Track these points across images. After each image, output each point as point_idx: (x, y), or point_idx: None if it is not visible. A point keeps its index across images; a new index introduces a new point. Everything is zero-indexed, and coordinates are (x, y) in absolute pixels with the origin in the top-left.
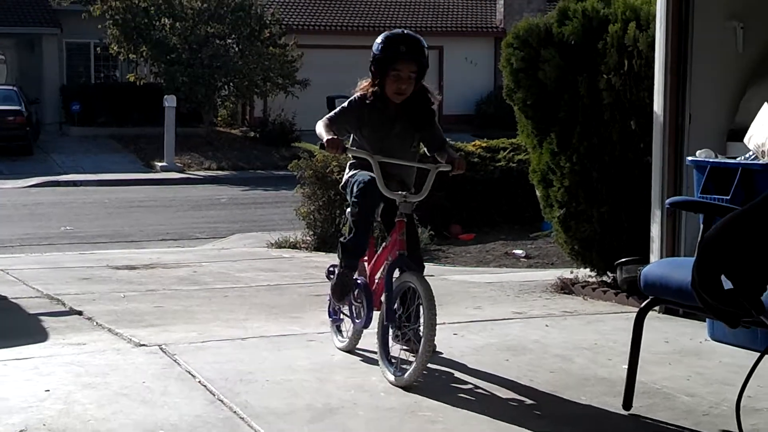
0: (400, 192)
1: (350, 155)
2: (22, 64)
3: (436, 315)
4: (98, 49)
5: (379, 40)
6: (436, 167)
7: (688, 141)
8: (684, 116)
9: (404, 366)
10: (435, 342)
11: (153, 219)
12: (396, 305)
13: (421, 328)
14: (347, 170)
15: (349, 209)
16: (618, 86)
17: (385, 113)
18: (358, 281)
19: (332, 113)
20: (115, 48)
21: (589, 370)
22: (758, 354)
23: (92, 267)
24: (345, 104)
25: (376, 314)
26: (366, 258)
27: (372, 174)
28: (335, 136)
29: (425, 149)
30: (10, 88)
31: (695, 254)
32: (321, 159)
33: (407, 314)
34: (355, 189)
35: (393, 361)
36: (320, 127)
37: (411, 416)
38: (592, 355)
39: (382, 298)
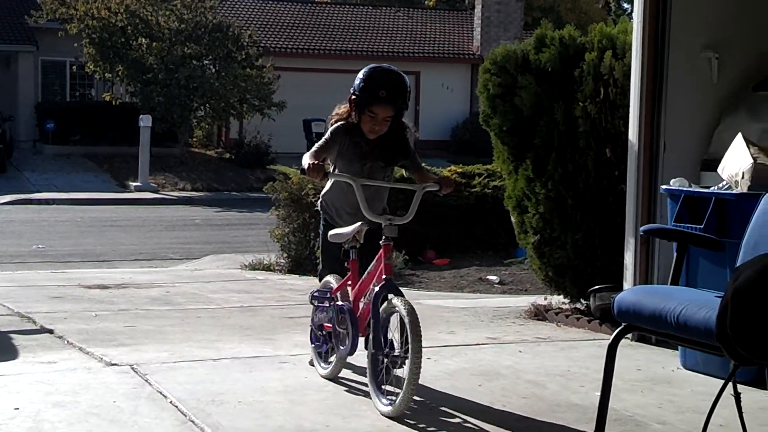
0: (386, 215)
1: (331, 180)
2: None
3: (421, 341)
4: (74, 67)
5: (361, 74)
6: (422, 187)
7: (663, 169)
8: (659, 145)
9: (390, 396)
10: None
11: (126, 239)
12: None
13: (409, 355)
14: (325, 190)
15: (319, 252)
16: (594, 114)
17: (358, 146)
18: (343, 307)
19: (319, 144)
20: (91, 67)
21: (562, 397)
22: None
23: (64, 286)
24: (328, 135)
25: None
26: (350, 282)
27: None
28: (316, 161)
29: (404, 173)
30: None
31: (723, 305)
32: (296, 181)
33: (392, 342)
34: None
35: (384, 390)
36: (306, 158)
37: None
38: (565, 381)
39: (370, 325)
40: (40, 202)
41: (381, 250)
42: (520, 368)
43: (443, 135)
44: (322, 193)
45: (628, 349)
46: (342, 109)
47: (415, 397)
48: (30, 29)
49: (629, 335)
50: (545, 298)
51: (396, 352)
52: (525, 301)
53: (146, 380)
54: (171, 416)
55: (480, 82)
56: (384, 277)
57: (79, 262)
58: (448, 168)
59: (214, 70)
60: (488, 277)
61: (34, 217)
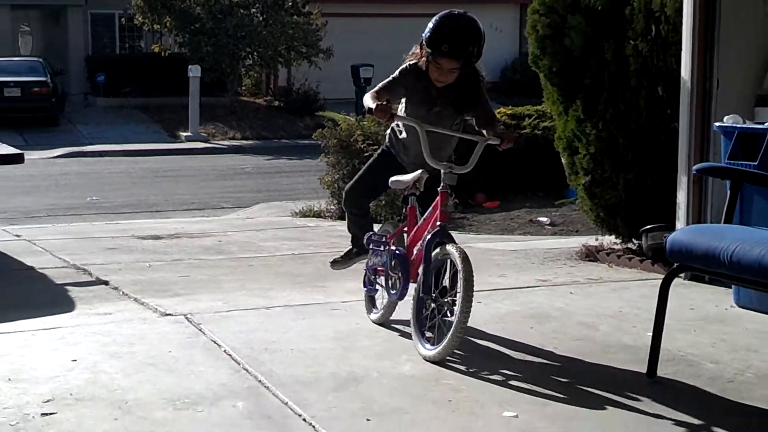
0: (445, 163)
1: (397, 122)
2: (47, 35)
3: (472, 291)
4: (123, 19)
5: (431, 23)
6: (485, 139)
7: (716, 107)
8: (711, 82)
9: (433, 341)
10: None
11: (178, 189)
12: (440, 278)
13: (458, 301)
14: (387, 137)
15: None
16: (645, 52)
17: (427, 91)
18: (397, 252)
19: (383, 83)
20: (139, 19)
21: (614, 338)
22: None
23: (118, 237)
24: (396, 73)
25: (411, 286)
26: (406, 228)
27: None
28: (383, 103)
29: (474, 124)
30: (36, 59)
31: None
32: (345, 128)
33: (442, 287)
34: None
35: (427, 335)
36: (368, 98)
37: (435, 385)
38: (617, 322)
39: (420, 270)
40: (92, 154)
41: (438, 197)
42: (572, 310)
43: (493, 76)
44: (389, 133)
45: (680, 288)
46: (417, 49)
47: (468, 342)
48: None
49: (682, 275)
50: (596, 239)
51: (445, 299)
52: (576, 242)
53: (200, 330)
54: (225, 365)
55: (529, 23)
56: (438, 223)
57: (132, 213)
58: (498, 109)
59: (261, 19)
60: (539, 218)
61: (87, 169)
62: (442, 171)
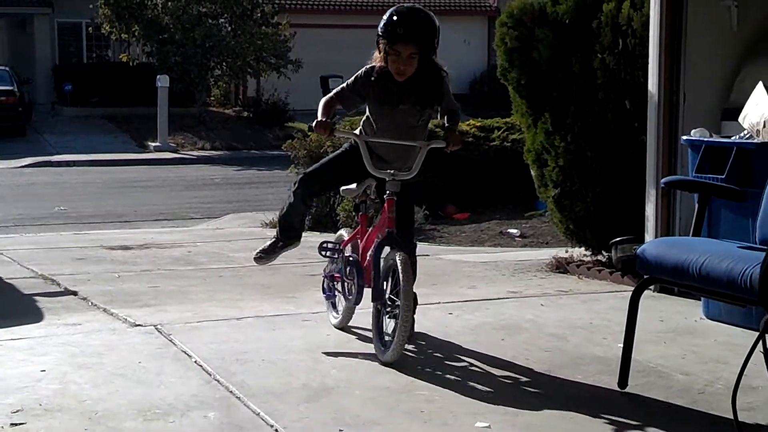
0: (388, 171)
1: (337, 136)
2: (13, 44)
3: (411, 292)
4: (90, 28)
5: (385, 16)
6: (427, 144)
7: (683, 120)
8: (678, 95)
9: (389, 344)
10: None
11: (147, 199)
12: (386, 283)
13: (399, 305)
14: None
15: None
16: (612, 65)
17: (389, 89)
18: (350, 258)
19: (338, 88)
20: (107, 28)
21: (585, 349)
22: (754, 332)
23: (86, 247)
24: (351, 79)
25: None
26: (359, 235)
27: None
28: (325, 119)
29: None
30: (2, 68)
31: (764, 266)
32: (315, 139)
33: (395, 292)
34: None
35: (385, 338)
36: (320, 106)
37: (407, 396)
38: (587, 334)
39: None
40: (60, 164)
41: (385, 204)
42: (542, 321)
43: (461, 88)
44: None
45: (650, 300)
46: (377, 54)
47: (439, 354)
48: None
49: (651, 286)
50: (566, 251)
51: (396, 303)
52: (546, 254)
53: (171, 340)
54: (196, 376)
55: (497, 36)
56: (386, 230)
57: (100, 223)
58: (467, 122)
59: (230, 29)
60: (509, 230)
61: (55, 179)
62: (386, 179)
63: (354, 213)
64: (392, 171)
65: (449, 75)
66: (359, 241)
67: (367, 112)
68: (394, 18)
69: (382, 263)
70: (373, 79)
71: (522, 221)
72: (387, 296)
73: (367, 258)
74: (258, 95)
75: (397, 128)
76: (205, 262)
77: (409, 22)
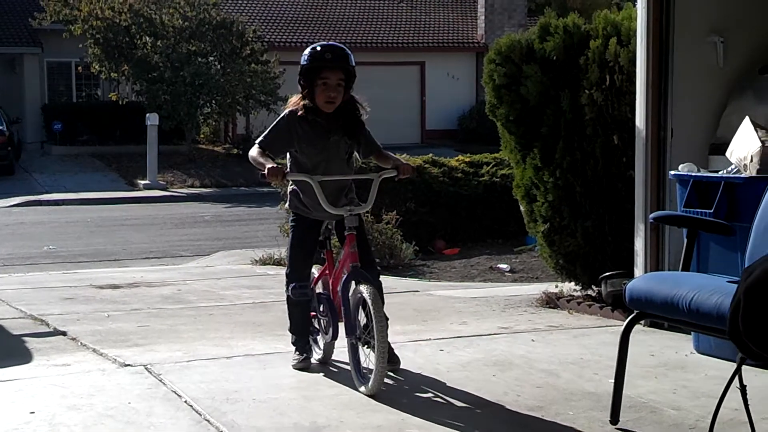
0: (345, 207)
1: (290, 179)
2: (2, 83)
3: (384, 322)
4: (79, 68)
5: (306, 52)
6: (379, 175)
7: (671, 155)
8: (666, 130)
9: (367, 376)
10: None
11: (136, 237)
12: (358, 316)
13: (374, 338)
14: (288, 194)
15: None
16: (600, 101)
17: (318, 125)
18: (322, 295)
19: (263, 137)
20: (96, 67)
21: (576, 385)
22: (744, 367)
23: (76, 287)
24: (274, 124)
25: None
26: (327, 272)
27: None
28: (274, 165)
29: (358, 155)
30: None
31: (735, 302)
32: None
33: (364, 324)
34: (290, 232)
35: (363, 371)
36: (256, 155)
37: None
38: (579, 369)
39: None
40: (49, 203)
41: (346, 239)
42: (533, 357)
43: (450, 124)
44: (289, 190)
45: (640, 334)
46: (295, 98)
47: (431, 391)
48: (34, 31)
49: (641, 321)
50: (556, 286)
51: (368, 336)
52: (536, 289)
53: (160, 380)
54: (186, 416)
55: (485, 73)
56: (350, 264)
57: (90, 262)
58: (456, 158)
59: (219, 67)
60: (499, 265)
61: (44, 218)
62: (344, 215)
63: (320, 250)
64: (348, 207)
65: (368, 109)
66: (329, 277)
67: (294, 155)
68: (318, 48)
69: (351, 298)
70: (299, 114)
71: (511, 256)
72: (360, 329)
73: (338, 293)
74: (247, 132)
75: (332, 161)
76: (194, 301)
77: (333, 49)
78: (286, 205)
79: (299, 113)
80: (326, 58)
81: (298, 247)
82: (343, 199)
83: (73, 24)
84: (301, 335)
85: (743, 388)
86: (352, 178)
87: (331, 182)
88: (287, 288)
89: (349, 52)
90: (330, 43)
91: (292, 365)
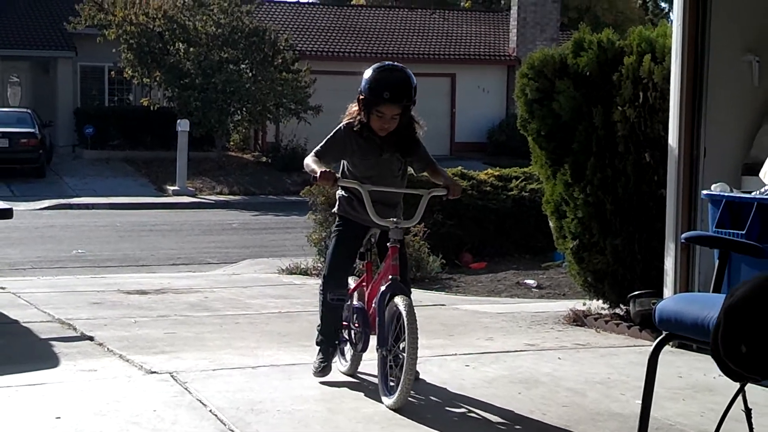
0: (391, 218)
1: (341, 185)
2: (36, 86)
3: (417, 340)
4: (112, 72)
5: (367, 75)
6: (429, 192)
7: (703, 174)
8: (699, 149)
9: (393, 390)
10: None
11: (164, 243)
12: (391, 330)
13: (404, 352)
14: (337, 201)
15: (329, 250)
16: (633, 118)
17: (371, 141)
18: (357, 306)
19: (320, 146)
20: (129, 72)
21: (602, 405)
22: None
23: (103, 291)
24: (331, 135)
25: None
26: (364, 283)
27: (344, 235)
28: (327, 169)
29: (413, 170)
30: (25, 110)
31: (717, 322)
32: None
33: (395, 337)
34: (333, 236)
35: (390, 384)
36: (310, 162)
37: None
38: (605, 389)
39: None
40: (79, 207)
41: (389, 251)
42: (560, 375)
43: (479, 137)
44: (338, 195)
45: (668, 355)
46: (353, 108)
47: (456, 406)
48: (69, 35)
49: (670, 342)
50: (584, 304)
51: (400, 349)
52: (563, 306)
53: (186, 388)
54: (210, 425)
55: (517, 87)
56: (390, 277)
57: (118, 266)
58: (485, 171)
59: (250, 75)
60: (526, 281)
61: (73, 222)
62: (389, 227)
63: (360, 261)
64: (395, 219)
65: (425, 127)
66: (365, 288)
67: (347, 167)
68: (379, 81)
69: (386, 310)
70: (355, 130)
71: (539, 272)
72: (391, 342)
73: (373, 305)
74: (277, 141)
75: (383, 177)
76: (221, 309)
77: (393, 86)
78: (335, 209)
79: (354, 128)
80: (384, 97)
81: (342, 248)
82: (391, 213)
83: (107, 29)
84: (330, 339)
85: (748, 412)
86: (401, 191)
87: (381, 197)
88: (323, 291)
89: (411, 82)
90: (392, 72)
91: (314, 367)
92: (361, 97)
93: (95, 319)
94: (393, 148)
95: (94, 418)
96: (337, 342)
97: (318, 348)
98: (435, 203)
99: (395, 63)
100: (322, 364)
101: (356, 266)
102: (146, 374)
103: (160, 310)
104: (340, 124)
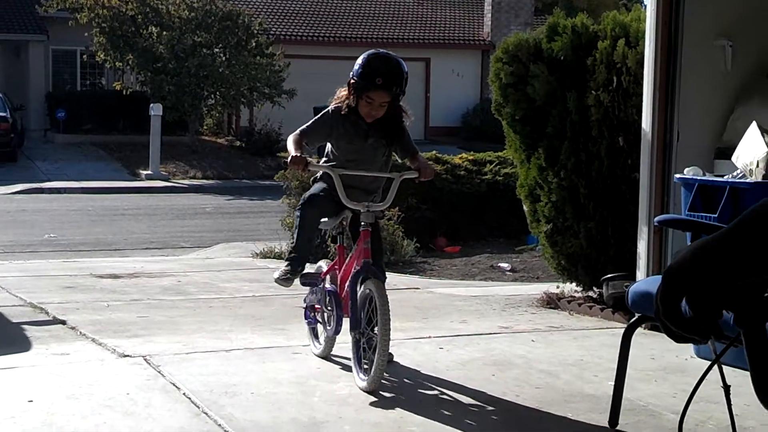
0: (362, 202)
1: (311, 170)
2: (7, 70)
3: (389, 322)
4: (84, 56)
5: (360, 60)
6: (400, 175)
7: (676, 158)
8: (672, 133)
9: (367, 372)
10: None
11: (137, 227)
12: (363, 313)
13: (377, 334)
14: (312, 184)
15: (297, 215)
16: (606, 103)
17: (358, 126)
18: (329, 289)
19: (306, 125)
20: (101, 56)
21: (575, 386)
22: (743, 371)
23: (76, 275)
24: (319, 116)
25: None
26: (336, 266)
27: (325, 186)
28: (299, 154)
29: (397, 157)
30: None
31: (661, 283)
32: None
33: (368, 320)
34: (304, 198)
35: (364, 366)
36: (291, 142)
37: (396, 431)
38: (578, 371)
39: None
40: (51, 191)
41: (360, 235)
42: (533, 357)
43: (454, 121)
44: (319, 175)
45: (641, 337)
46: (342, 92)
47: (430, 389)
48: (40, 18)
49: (642, 324)
50: (557, 287)
51: (373, 331)
52: (537, 289)
53: (159, 372)
54: (184, 408)
55: (492, 71)
56: (362, 260)
57: (90, 251)
58: (459, 155)
59: (224, 59)
60: (500, 264)
61: (45, 206)
62: (360, 210)
63: (332, 244)
64: (366, 203)
65: (412, 117)
66: (337, 271)
67: (332, 149)
68: (372, 67)
69: (359, 293)
70: (343, 113)
71: (512, 255)
72: (363, 325)
73: (345, 288)
74: (251, 125)
75: (366, 162)
76: (195, 292)
77: (387, 73)
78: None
79: (342, 112)
80: (376, 83)
81: (323, 186)
82: (368, 199)
83: (79, 12)
84: (303, 252)
85: (727, 388)
86: (372, 174)
87: (359, 182)
88: (301, 208)
89: (405, 70)
90: (384, 60)
91: (278, 274)
92: (352, 81)
93: (68, 303)
94: (379, 134)
95: (67, 401)
96: (309, 256)
97: (286, 261)
98: (409, 187)
99: (389, 52)
100: (288, 274)
101: (330, 250)
102: (119, 358)
103: (133, 294)
104: (330, 107)
